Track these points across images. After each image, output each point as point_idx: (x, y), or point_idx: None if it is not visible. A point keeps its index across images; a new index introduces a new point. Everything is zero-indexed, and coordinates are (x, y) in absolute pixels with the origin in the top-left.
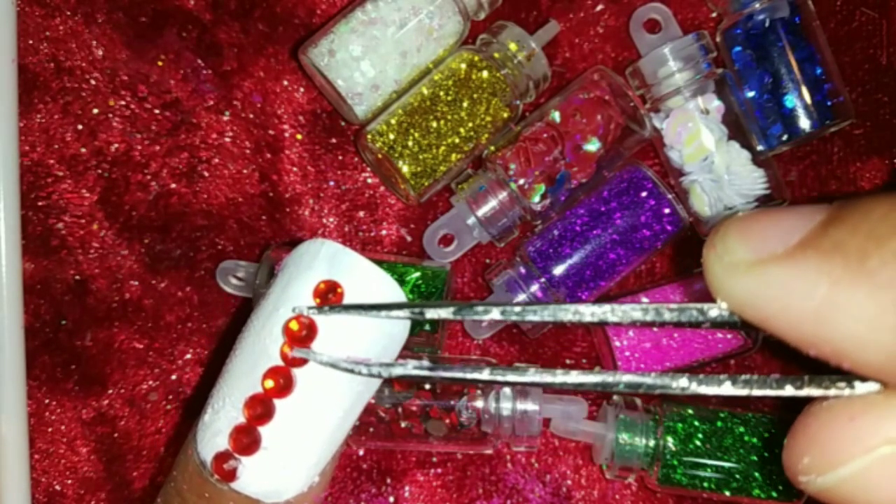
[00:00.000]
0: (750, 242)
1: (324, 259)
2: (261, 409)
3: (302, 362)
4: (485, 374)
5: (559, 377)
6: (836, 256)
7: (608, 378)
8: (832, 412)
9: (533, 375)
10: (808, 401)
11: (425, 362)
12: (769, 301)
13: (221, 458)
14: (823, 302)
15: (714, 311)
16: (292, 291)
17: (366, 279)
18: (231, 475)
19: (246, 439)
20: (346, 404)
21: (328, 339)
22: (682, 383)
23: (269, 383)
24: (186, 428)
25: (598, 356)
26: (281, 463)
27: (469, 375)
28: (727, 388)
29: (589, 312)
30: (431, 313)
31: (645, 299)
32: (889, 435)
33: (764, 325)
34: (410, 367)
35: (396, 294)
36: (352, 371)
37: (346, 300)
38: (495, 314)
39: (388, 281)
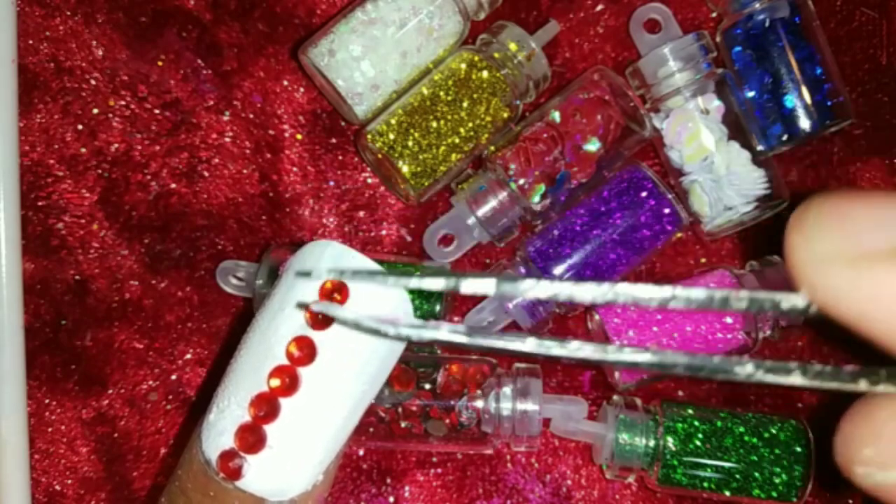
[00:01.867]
0: (849, 232)
1: (329, 260)
2: (266, 407)
3: (307, 361)
4: (528, 345)
5: (611, 354)
6: None
7: (665, 358)
8: None
9: (580, 350)
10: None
11: (461, 327)
12: (865, 302)
13: (227, 456)
14: None
15: (787, 303)
16: (298, 291)
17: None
18: (236, 473)
19: (251, 438)
20: (351, 403)
21: (330, 344)
22: (748, 370)
23: (275, 382)
24: (187, 428)
25: None
26: (286, 461)
27: (510, 345)
28: (796, 379)
29: (647, 296)
30: (467, 285)
31: None
32: None
33: (853, 325)
34: (445, 331)
35: (401, 294)
36: (377, 332)
37: (352, 301)
38: (538, 288)
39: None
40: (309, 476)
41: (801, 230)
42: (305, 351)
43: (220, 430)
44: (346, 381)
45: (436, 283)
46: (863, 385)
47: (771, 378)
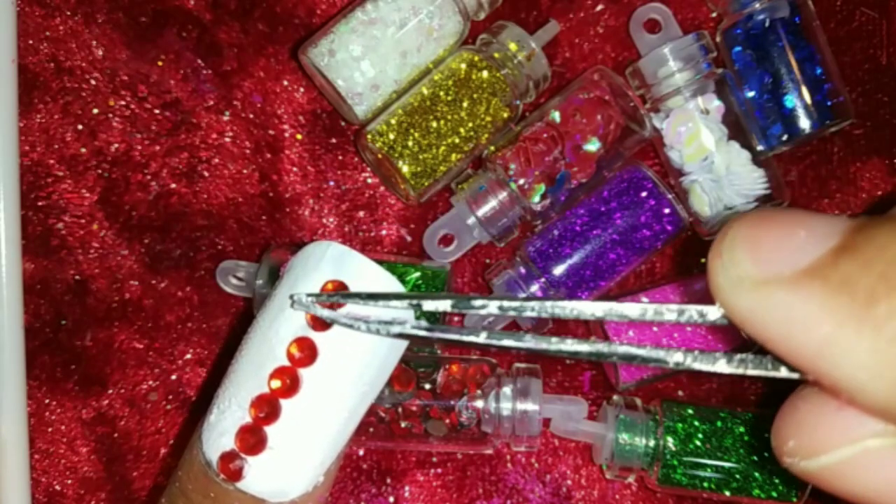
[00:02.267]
0: (758, 257)
1: (330, 261)
2: (267, 408)
3: (308, 362)
4: (481, 338)
5: (554, 345)
6: (843, 294)
7: (603, 348)
8: (822, 398)
9: (529, 342)
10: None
11: (423, 322)
12: (771, 324)
13: (227, 457)
14: (825, 340)
15: (713, 315)
16: (299, 292)
17: (372, 281)
18: (237, 475)
19: (252, 439)
20: (351, 404)
21: (331, 346)
22: (677, 358)
23: (276, 383)
24: (187, 428)
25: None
26: (286, 463)
27: (466, 338)
28: (721, 366)
29: (589, 311)
30: (429, 305)
31: (645, 299)
32: (876, 428)
33: (763, 344)
34: (408, 327)
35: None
36: (350, 326)
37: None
38: (493, 308)
39: (394, 283)
40: (310, 477)
41: (718, 254)
42: (306, 352)
43: (221, 432)
44: (346, 382)
45: (441, 304)
46: (783, 372)
47: (698, 365)
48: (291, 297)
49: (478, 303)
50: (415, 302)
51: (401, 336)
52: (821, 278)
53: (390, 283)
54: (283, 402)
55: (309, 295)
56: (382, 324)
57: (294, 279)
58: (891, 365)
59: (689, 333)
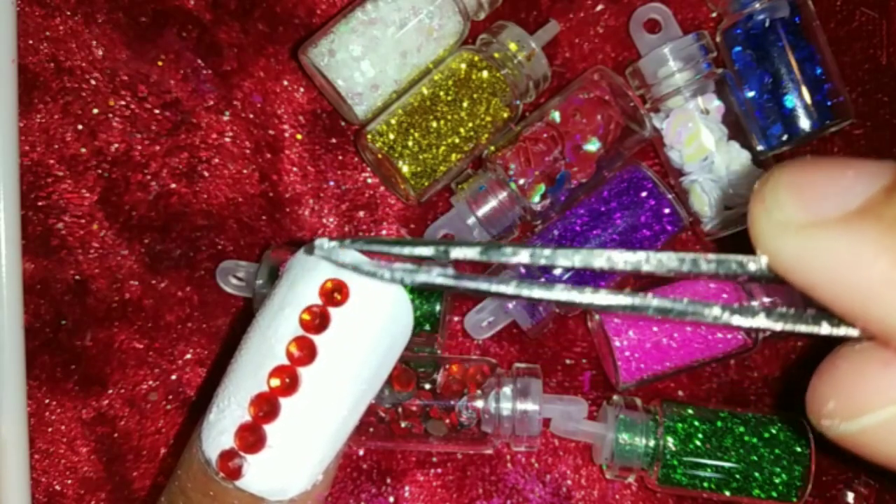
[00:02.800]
0: (803, 200)
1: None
2: (266, 407)
3: (307, 361)
4: (511, 288)
5: (587, 296)
6: None
7: (637, 301)
8: (865, 356)
9: (560, 293)
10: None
11: (450, 270)
12: (819, 269)
13: (227, 456)
14: (879, 279)
15: (753, 266)
16: (298, 291)
17: (371, 278)
18: (236, 473)
19: (251, 437)
20: (351, 403)
21: (330, 345)
22: (716, 312)
23: (275, 382)
24: (187, 428)
25: (598, 356)
26: (286, 461)
27: (494, 288)
28: (761, 321)
29: (622, 260)
30: (457, 252)
31: None
32: None
33: (809, 292)
34: (435, 275)
35: (400, 293)
36: (374, 275)
37: (352, 299)
38: (524, 256)
39: (395, 285)
40: (309, 475)
41: (760, 199)
42: (305, 351)
43: (221, 430)
44: (346, 380)
45: (426, 251)
46: (825, 327)
47: (737, 319)
48: (312, 242)
49: (508, 250)
50: (442, 248)
51: (426, 286)
52: (874, 216)
53: (391, 283)
54: (283, 401)
55: (332, 240)
56: (407, 272)
57: (293, 278)
58: None
59: (690, 333)
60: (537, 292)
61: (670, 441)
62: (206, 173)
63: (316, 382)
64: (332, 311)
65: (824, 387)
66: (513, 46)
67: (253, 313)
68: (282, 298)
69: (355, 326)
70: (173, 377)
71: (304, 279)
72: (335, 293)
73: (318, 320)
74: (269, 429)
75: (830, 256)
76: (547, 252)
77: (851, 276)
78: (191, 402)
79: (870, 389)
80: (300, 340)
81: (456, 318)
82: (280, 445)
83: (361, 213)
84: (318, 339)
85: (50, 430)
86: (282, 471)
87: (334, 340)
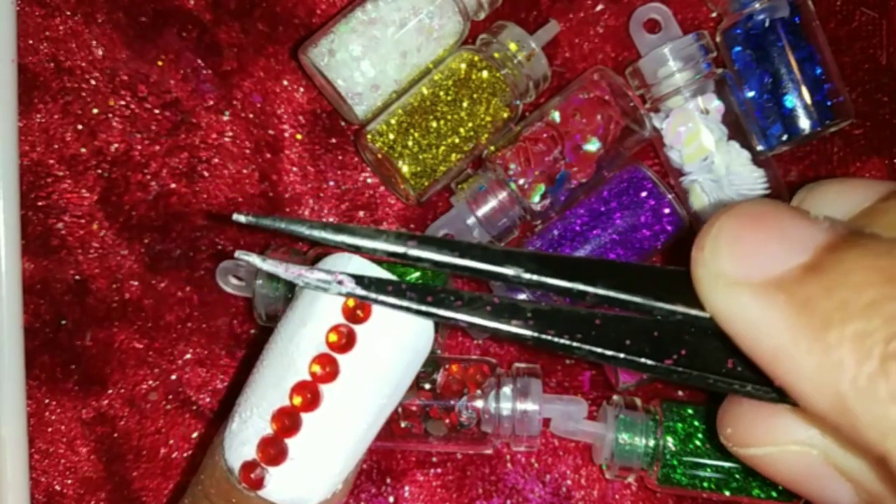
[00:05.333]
0: (736, 256)
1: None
2: (288, 422)
3: (330, 379)
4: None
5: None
6: (802, 314)
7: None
8: (760, 403)
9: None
10: None
11: (359, 289)
12: (738, 323)
13: (249, 467)
14: (780, 349)
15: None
16: (319, 307)
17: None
18: (258, 484)
19: (273, 450)
20: (371, 417)
21: (352, 363)
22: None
23: (298, 399)
24: (188, 428)
25: None
26: (307, 473)
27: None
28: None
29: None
30: (370, 244)
31: None
32: (797, 437)
33: (732, 339)
34: (345, 289)
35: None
36: (297, 281)
37: (375, 316)
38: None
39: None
40: (329, 486)
41: (700, 247)
42: (329, 369)
43: (243, 441)
44: (367, 396)
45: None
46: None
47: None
48: (234, 256)
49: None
50: (354, 245)
51: (342, 295)
52: (786, 293)
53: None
54: (304, 416)
55: (247, 254)
56: (322, 281)
57: (315, 293)
58: (832, 384)
59: None
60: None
61: (670, 441)
62: (206, 173)
63: (338, 399)
64: (357, 329)
65: (726, 416)
66: (513, 46)
67: (253, 313)
68: (303, 312)
69: (379, 344)
70: (173, 377)
71: (326, 295)
72: (357, 310)
73: (344, 340)
74: (291, 442)
75: (748, 316)
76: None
77: (761, 338)
78: (190, 401)
79: (758, 431)
80: (323, 358)
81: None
82: (301, 458)
83: (361, 213)
84: (341, 358)
85: (50, 429)
86: (303, 482)
87: (358, 359)
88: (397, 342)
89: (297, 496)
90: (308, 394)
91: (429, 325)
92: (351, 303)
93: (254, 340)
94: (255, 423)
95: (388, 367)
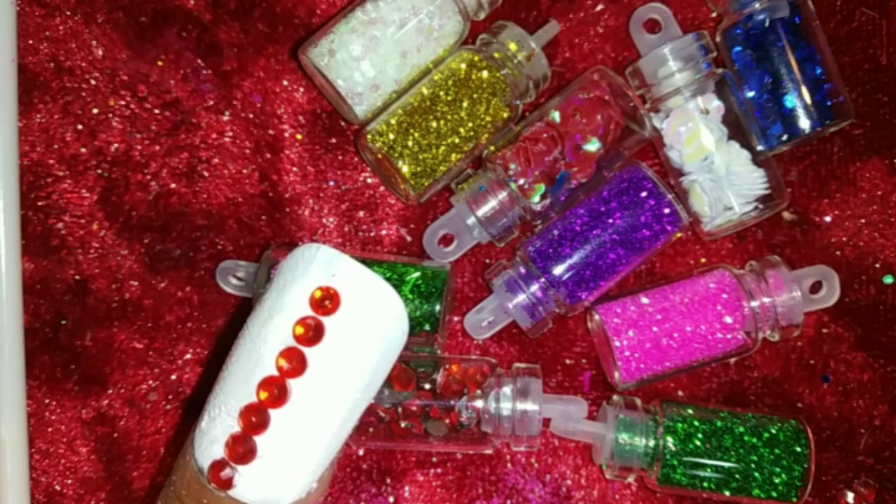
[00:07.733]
0: None
1: (319, 265)
2: (256, 418)
3: (297, 373)
4: None
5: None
6: None
7: None
8: None
9: None
10: None
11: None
12: None
13: (217, 466)
14: None
15: None
16: (287, 299)
17: (362, 284)
18: (227, 483)
19: (241, 448)
20: (344, 412)
21: (321, 356)
22: None
23: (264, 395)
24: (186, 428)
25: (598, 356)
26: (277, 472)
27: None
28: None
29: None
30: None
31: (645, 300)
32: None
33: None
34: None
35: (393, 298)
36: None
37: (343, 306)
38: None
39: (384, 286)
40: (302, 485)
41: None
42: (295, 363)
43: (212, 439)
44: (338, 391)
45: None
46: None
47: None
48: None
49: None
50: None
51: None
52: None
53: (380, 286)
54: (273, 413)
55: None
56: None
57: (283, 284)
58: None
59: (689, 333)
60: None
61: (670, 441)
62: (206, 173)
63: (306, 394)
64: (325, 321)
65: None
66: (513, 46)
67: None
68: (271, 305)
69: (348, 336)
70: (173, 377)
71: (294, 287)
72: (325, 301)
73: (311, 333)
74: (260, 440)
75: None
76: None
77: None
78: (191, 401)
79: None
80: (290, 352)
81: (456, 318)
82: (271, 456)
83: (361, 213)
84: (308, 351)
85: (50, 429)
86: (274, 481)
87: (326, 351)
88: (368, 333)
89: (268, 496)
90: (275, 389)
91: (402, 314)
92: (318, 294)
93: None
94: (224, 421)
95: (359, 359)
